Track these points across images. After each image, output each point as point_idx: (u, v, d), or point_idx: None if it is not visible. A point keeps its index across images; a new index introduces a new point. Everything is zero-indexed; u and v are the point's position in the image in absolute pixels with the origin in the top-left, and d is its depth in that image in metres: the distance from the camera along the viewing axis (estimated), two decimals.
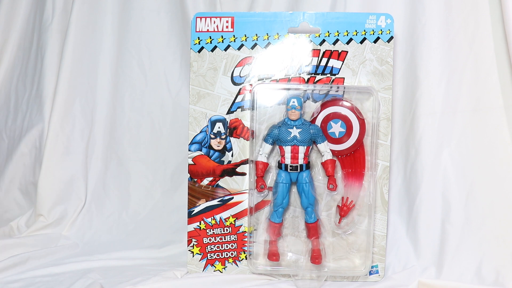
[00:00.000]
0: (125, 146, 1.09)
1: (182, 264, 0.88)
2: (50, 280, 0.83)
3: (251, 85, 0.83)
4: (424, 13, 0.92)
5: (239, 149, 0.84)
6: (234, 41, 0.83)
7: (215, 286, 0.82)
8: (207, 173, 0.85)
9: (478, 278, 0.85)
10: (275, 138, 0.81)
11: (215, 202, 0.85)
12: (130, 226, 1.05)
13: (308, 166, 0.82)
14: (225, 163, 0.84)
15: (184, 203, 0.91)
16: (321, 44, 0.83)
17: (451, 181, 0.91)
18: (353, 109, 0.83)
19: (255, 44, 0.83)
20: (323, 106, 0.83)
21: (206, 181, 0.85)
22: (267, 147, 0.82)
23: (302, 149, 0.81)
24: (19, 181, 1.11)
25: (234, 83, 0.83)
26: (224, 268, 0.86)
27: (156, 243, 1.00)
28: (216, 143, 0.84)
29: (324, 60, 0.83)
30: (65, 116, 1.08)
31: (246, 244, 0.85)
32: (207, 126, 0.84)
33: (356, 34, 0.83)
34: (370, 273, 0.85)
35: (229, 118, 0.84)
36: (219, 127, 0.84)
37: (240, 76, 0.83)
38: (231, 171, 0.84)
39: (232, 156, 0.84)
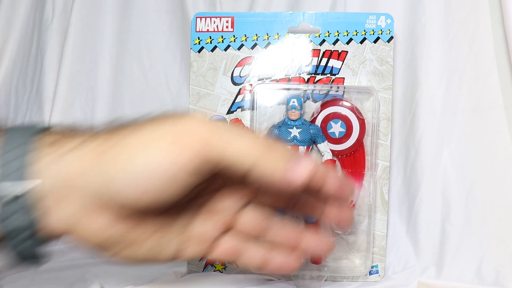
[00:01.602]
0: None
1: (182, 264, 0.88)
2: (50, 280, 0.83)
3: (251, 85, 0.83)
4: (424, 13, 0.92)
5: None
6: (234, 41, 0.83)
7: (215, 286, 0.82)
8: None
9: (478, 278, 0.85)
10: (275, 138, 0.81)
11: None
12: None
13: None
14: None
15: None
16: (321, 44, 0.83)
17: (451, 181, 0.91)
18: (353, 109, 0.83)
19: (255, 44, 0.83)
20: (323, 106, 0.83)
21: None
22: None
23: (302, 149, 0.81)
24: None
25: (234, 83, 0.83)
26: (224, 268, 0.86)
27: None
28: None
29: (324, 60, 0.83)
30: (65, 116, 1.08)
31: None
32: None
33: (356, 34, 0.83)
34: (370, 273, 0.85)
35: (229, 118, 0.84)
36: None
37: (240, 76, 0.83)
38: None
39: None
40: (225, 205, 0.52)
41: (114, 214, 0.44)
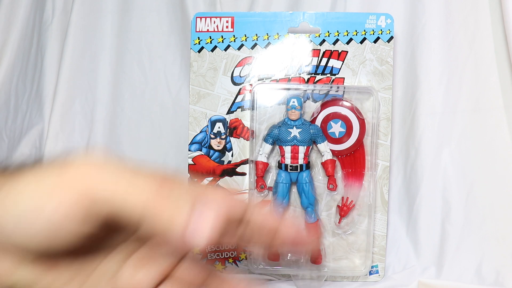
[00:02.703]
0: (125, 146, 1.09)
1: None
2: None
3: (251, 85, 0.83)
4: (424, 13, 0.92)
5: (239, 149, 0.84)
6: (234, 41, 0.83)
7: None
8: (207, 173, 0.85)
9: (478, 278, 0.85)
10: (275, 138, 0.81)
11: None
12: None
13: (308, 166, 0.82)
14: (225, 163, 0.84)
15: None
16: (321, 44, 0.83)
17: (451, 181, 0.91)
18: (353, 109, 0.83)
19: (255, 44, 0.83)
20: (323, 106, 0.83)
21: (206, 181, 0.85)
22: (267, 147, 0.82)
23: (302, 149, 0.81)
24: None
25: (234, 83, 0.83)
26: (224, 268, 0.86)
27: None
28: (216, 143, 0.84)
29: (324, 60, 0.83)
30: (65, 116, 1.08)
31: None
32: (207, 126, 0.84)
33: (356, 34, 0.83)
34: (370, 273, 0.85)
35: (229, 118, 0.84)
36: (219, 127, 0.84)
37: (240, 76, 0.83)
38: (231, 171, 0.84)
39: (232, 156, 0.84)
40: (157, 253, 0.45)
41: (15, 257, 0.40)
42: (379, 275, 0.85)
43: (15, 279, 0.41)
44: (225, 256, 0.86)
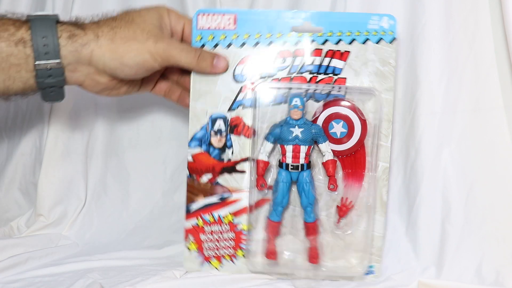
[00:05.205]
0: (125, 146, 1.08)
1: (182, 264, 0.88)
2: (50, 280, 0.82)
3: (252, 83, 0.83)
4: (424, 13, 0.92)
5: (239, 147, 0.84)
6: (236, 38, 0.83)
7: (214, 286, 0.82)
8: (207, 170, 0.85)
9: (478, 278, 0.85)
10: (277, 137, 0.81)
11: (214, 199, 0.85)
12: (130, 226, 1.05)
13: (309, 165, 0.82)
14: (225, 160, 0.84)
15: (184, 203, 0.91)
16: (323, 43, 0.83)
17: (451, 181, 0.91)
18: (355, 110, 0.83)
19: (257, 42, 0.83)
20: (325, 106, 0.83)
21: (205, 179, 0.85)
22: (269, 145, 0.82)
23: (303, 149, 0.81)
24: (19, 181, 1.10)
25: (236, 81, 0.84)
26: (220, 265, 0.86)
27: (156, 243, 0.99)
28: (216, 141, 0.84)
29: (327, 60, 0.83)
30: (65, 116, 1.08)
31: (244, 242, 0.85)
32: (207, 123, 0.84)
33: (359, 35, 0.83)
34: (369, 273, 0.85)
35: (230, 116, 0.84)
36: (219, 125, 0.84)
37: (241, 74, 0.83)
38: (231, 169, 0.84)
39: (232, 154, 0.84)
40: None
41: (109, 77, 0.80)
42: (378, 275, 0.85)
43: (103, 86, 0.82)
44: (222, 254, 0.85)
